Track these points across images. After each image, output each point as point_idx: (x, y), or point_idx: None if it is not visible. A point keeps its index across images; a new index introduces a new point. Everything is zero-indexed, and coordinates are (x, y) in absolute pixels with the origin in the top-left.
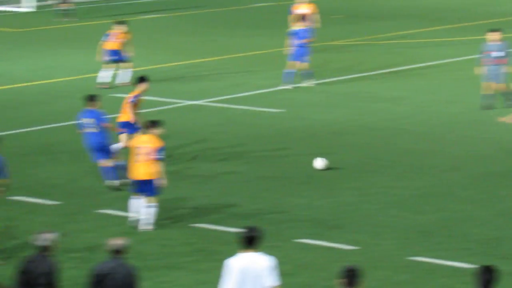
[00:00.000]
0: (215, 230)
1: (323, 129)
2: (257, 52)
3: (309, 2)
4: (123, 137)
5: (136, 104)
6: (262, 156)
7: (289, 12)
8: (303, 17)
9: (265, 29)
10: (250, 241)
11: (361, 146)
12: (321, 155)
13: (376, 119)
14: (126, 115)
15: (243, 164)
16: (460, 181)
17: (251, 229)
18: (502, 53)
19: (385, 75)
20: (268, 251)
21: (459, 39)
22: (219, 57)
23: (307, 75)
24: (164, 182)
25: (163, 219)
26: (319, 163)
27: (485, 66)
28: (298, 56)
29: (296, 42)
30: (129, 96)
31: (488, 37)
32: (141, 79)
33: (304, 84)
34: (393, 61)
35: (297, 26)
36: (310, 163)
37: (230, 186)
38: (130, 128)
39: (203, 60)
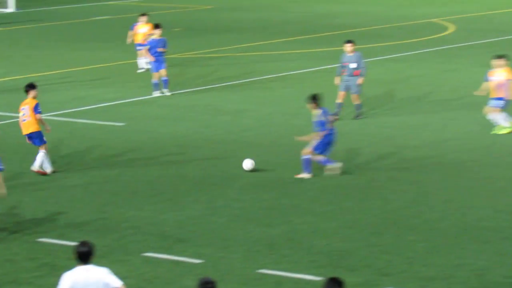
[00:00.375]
0: (60, 245)
1: (169, 142)
2: (99, 65)
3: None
4: None
5: None
6: (106, 170)
7: (130, 28)
8: (155, 26)
9: (107, 42)
10: (82, 256)
11: (206, 159)
12: (167, 168)
13: (220, 131)
14: None
15: (86, 178)
16: (306, 193)
17: (82, 244)
18: (354, 65)
19: (228, 88)
20: (115, 265)
21: (301, 51)
22: (61, 71)
23: (163, 84)
24: (3, 192)
25: (5, 234)
26: (248, 164)
27: (341, 76)
28: (156, 66)
29: (152, 52)
30: None
31: (344, 48)
32: None
33: (158, 94)
34: (236, 74)
35: (148, 37)
36: (157, 175)
37: (74, 199)
38: None
39: (45, 73)
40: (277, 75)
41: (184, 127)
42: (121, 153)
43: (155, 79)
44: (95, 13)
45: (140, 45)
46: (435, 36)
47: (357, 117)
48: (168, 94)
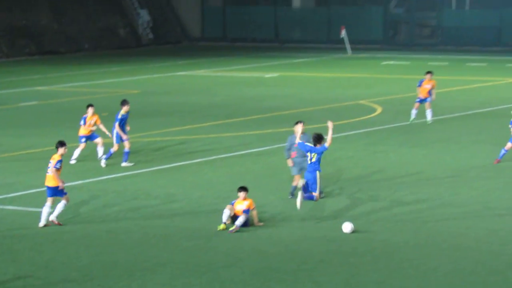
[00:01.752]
0: None
1: (99, 227)
2: (27, 151)
3: None
4: None
5: None
6: (37, 257)
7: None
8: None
9: (35, 128)
10: None
11: (137, 244)
12: (97, 254)
13: (150, 216)
14: None
15: None
16: (238, 276)
17: None
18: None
19: (157, 172)
20: None
21: (229, 134)
22: None
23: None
24: None
25: None
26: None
27: (292, 158)
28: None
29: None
30: None
31: (295, 129)
32: None
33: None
34: (166, 158)
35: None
36: (88, 262)
37: None
38: None
39: None
40: (206, 158)
41: (114, 211)
42: (51, 240)
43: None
44: (23, 98)
45: (84, 136)
46: (363, 117)
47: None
48: (104, 165)
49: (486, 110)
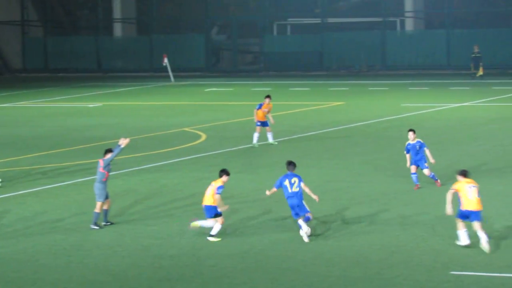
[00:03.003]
0: None
1: None
2: None
3: None
4: None
5: None
6: None
7: None
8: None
9: None
10: None
11: None
12: None
13: None
14: None
15: None
16: None
17: None
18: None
19: None
20: None
21: (54, 165)
22: None
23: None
24: None
25: None
26: None
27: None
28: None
29: None
30: None
31: None
32: None
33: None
34: None
35: None
36: None
37: None
38: None
39: None
40: (31, 190)
41: None
42: None
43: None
44: None
45: None
46: (188, 144)
47: None
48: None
49: (310, 134)
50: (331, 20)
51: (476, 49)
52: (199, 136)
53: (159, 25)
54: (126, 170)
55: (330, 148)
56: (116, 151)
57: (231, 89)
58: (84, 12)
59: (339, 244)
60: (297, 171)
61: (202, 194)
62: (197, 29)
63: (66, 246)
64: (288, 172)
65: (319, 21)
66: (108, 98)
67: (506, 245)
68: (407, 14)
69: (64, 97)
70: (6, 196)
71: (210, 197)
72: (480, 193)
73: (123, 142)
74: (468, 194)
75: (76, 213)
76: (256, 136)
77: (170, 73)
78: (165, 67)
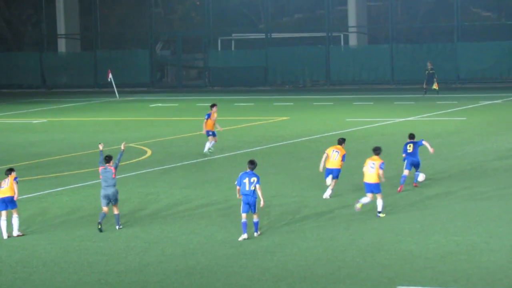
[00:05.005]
0: None
1: None
2: None
3: None
4: None
5: None
6: None
7: None
8: None
9: None
10: None
11: None
12: None
13: None
14: None
15: None
16: None
17: None
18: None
19: None
20: None
21: None
22: None
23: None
24: None
25: None
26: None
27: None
28: None
29: None
30: None
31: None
32: None
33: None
34: None
35: None
36: None
37: None
38: None
39: None
40: None
41: None
42: None
43: None
44: None
45: None
46: (134, 160)
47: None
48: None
49: (255, 149)
50: (275, 35)
51: (429, 66)
52: (144, 152)
53: (104, 40)
54: (72, 186)
55: (276, 163)
56: (119, 156)
57: (176, 104)
58: (28, 27)
59: (286, 259)
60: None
61: (149, 209)
62: (141, 45)
63: (12, 263)
64: (248, 171)
65: (263, 36)
66: (53, 114)
67: (453, 260)
68: (350, 29)
69: (8, 113)
70: None
71: (374, 175)
72: (425, 207)
73: (123, 146)
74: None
75: (21, 230)
76: (208, 144)
77: (115, 89)
78: (110, 83)
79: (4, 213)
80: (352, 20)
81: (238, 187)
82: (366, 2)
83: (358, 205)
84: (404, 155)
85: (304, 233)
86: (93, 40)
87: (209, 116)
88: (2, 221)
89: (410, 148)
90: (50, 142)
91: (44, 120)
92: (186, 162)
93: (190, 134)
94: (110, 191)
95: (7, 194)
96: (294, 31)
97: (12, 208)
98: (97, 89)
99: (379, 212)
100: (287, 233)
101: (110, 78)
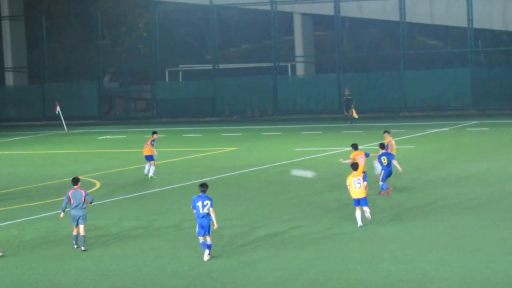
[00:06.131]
0: None
1: None
2: None
3: None
4: None
5: None
6: None
7: None
8: None
9: None
10: None
11: None
12: None
13: None
14: None
15: None
16: None
17: None
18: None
19: None
20: None
21: None
22: None
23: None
24: None
25: None
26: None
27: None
28: None
29: None
30: None
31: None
32: None
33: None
34: None
35: None
36: None
37: None
38: None
39: None
40: None
41: None
42: None
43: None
44: None
45: None
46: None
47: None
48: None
49: (204, 180)
50: (222, 66)
51: (346, 92)
52: (93, 184)
53: (51, 73)
54: (21, 219)
55: (225, 194)
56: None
57: (124, 136)
58: None
59: None
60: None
61: (99, 241)
62: (89, 77)
63: None
64: (201, 194)
65: (211, 67)
66: (1, 148)
67: None
68: (298, 59)
69: None
70: None
71: (362, 189)
72: (375, 235)
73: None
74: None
75: None
76: (147, 168)
77: (63, 121)
78: (58, 116)
79: None
80: (299, 50)
81: (193, 210)
82: (312, 31)
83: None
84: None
85: (254, 263)
86: (41, 73)
87: (153, 142)
88: None
89: (385, 161)
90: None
91: None
92: (135, 194)
93: (138, 166)
94: (83, 211)
95: None
96: (241, 61)
97: None
98: (45, 122)
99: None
100: (237, 263)
101: (58, 111)
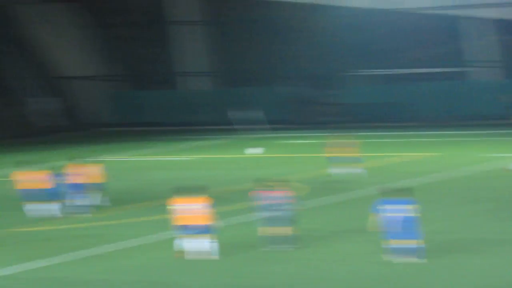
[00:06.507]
0: None
1: None
2: None
3: None
4: None
5: None
6: None
7: None
8: None
9: None
10: None
11: None
12: None
13: None
14: None
15: None
16: None
17: None
18: None
19: None
20: None
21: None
22: None
23: None
24: None
25: None
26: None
27: None
28: None
29: None
30: None
31: None
32: None
33: None
34: None
35: None
36: None
37: None
38: None
39: None
40: None
41: None
42: None
43: None
44: None
45: None
46: None
47: None
48: None
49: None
50: (406, 71)
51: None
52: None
53: (238, 77)
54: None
55: (435, 199)
56: None
57: (314, 141)
58: None
59: None
60: None
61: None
62: (271, 81)
63: None
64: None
65: (390, 72)
66: (201, 152)
67: None
68: (483, 64)
69: None
70: None
71: None
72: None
73: None
74: None
75: None
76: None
77: (264, 126)
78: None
79: None
80: (483, 54)
81: None
82: (498, 36)
83: None
84: None
85: None
86: (227, 77)
87: None
88: None
89: None
90: None
91: None
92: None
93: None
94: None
95: None
96: (426, 66)
97: None
98: (222, 126)
99: None
100: None
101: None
